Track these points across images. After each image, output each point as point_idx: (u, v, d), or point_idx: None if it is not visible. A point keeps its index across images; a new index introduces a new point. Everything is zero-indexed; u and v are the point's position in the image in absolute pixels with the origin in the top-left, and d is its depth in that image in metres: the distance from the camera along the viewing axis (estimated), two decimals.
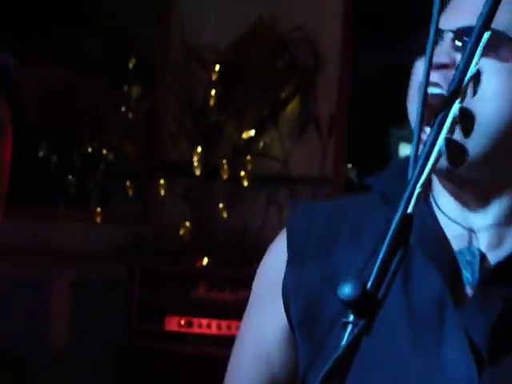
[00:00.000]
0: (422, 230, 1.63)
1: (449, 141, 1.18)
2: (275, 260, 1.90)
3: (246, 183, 6.72)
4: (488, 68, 1.61)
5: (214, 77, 6.81)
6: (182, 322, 6.46)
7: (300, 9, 6.89)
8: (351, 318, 1.08)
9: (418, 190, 1.17)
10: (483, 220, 1.70)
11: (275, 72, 6.87)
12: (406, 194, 1.16)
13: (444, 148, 1.18)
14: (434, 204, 1.76)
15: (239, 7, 6.92)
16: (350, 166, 6.62)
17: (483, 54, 1.32)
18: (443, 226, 1.71)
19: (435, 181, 1.76)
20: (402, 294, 1.52)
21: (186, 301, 6.55)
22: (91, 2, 7.40)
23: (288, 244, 1.84)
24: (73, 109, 6.74)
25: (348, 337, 1.13)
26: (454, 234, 1.70)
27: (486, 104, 1.58)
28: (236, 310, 5.87)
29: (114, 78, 7.07)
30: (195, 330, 6.50)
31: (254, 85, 6.80)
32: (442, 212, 1.74)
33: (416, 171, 1.16)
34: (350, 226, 1.55)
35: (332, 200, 1.87)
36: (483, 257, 1.66)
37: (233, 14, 6.94)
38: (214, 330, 6.49)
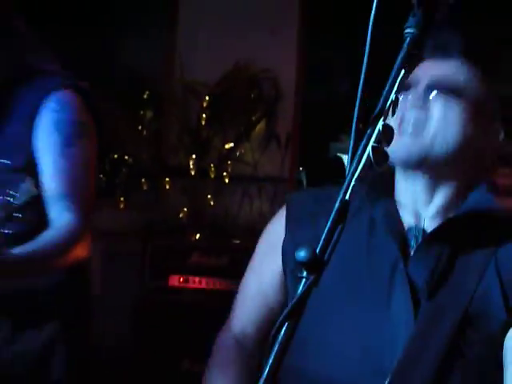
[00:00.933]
0: (385, 214, 1.80)
1: (374, 148, 1.19)
2: (276, 227, 1.98)
3: (227, 181, 6.78)
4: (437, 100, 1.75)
5: (204, 104, 6.83)
6: (181, 280, 6.52)
7: (266, 56, 6.88)
8: (304, 274, 1.10)
9: (352, 183, 1.19)
10: (428, 209, 1.81)
11: (248, 102, 6.89)
12: (344, 186, 1.18)
13: (371, 153, 1.19)
14: (396, 198, 1.86)
15: (222, 53, 6.91)
16: (301, 169, 6.65)
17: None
18: (401, 213, 1.82)
19: (398, 183, 1.87)
20: (365, 256, 1.54)
21: (184, 264, 6.65)
22: (113, 52, 7.39)
23: (286, 217, 1.95)
24: (104, 128, 6.76)
25: (302, 289, 1.15)
26: (408, 218, 1.81)
27: (439, 125, 1.72)
28: (220, 271, 6.52)
29: (132, 105, 7.14)
30: (191, 285, 6.58)
31: (233, 111, 6.86)
32: (400, 203, 1.84)
33: (351, 170, 1.17)
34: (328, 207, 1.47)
35: (320, 188, 1.91)
36: (425, 232, 1.76)
37: (218, 58, 6.93)
38: (204, 286, 6.56)
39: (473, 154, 1.79)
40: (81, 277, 2.19)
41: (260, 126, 6.91)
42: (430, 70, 1.80)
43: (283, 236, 1.92)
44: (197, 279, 6.67)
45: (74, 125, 2.16)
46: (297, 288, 1.12)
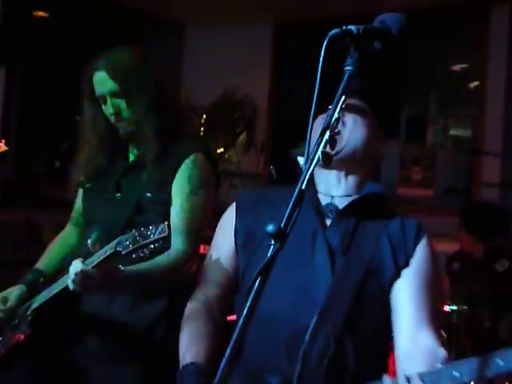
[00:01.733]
0: (309, 197, 1.76)
1: (323, 152, 1.21)
2: (229, 216, 1.99)
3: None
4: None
5: (202, 121, 6.81)
6: None
7: (247, 85, 6.85)
8: (272, 242, 1.12)
9: (307, 177, 1.20)
10: (338, 191, 1.86)
11: (233, 119, 6.91)
12: (301, 179, 1.19)
13: (320, 156, 1.21)
14: (316, 187, 1.88)
15: (215, 83, 6.88)
16: (272, 167, 6.62)
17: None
18: (320, 195, 1.87)
19: (317, 175, 1.89)
20: (296, 227, 1.58)
21: None
22: None
23: (236, 207, 1.98)
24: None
25: (271, 252, 1.18)
26: (324, 199, 1.86)
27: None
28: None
29: None
30: None
31: (223, 125, 6.86)
32: (319, 190, 1.88)
33: (306, 167, 1.19)
34: (270, 200, 1.70)
35: (261, 188, 2.02)
36: (337, 208, 1.83)
37: (212, 87, 6.91)
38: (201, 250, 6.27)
39: (368, 156, 1.89)
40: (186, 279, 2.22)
41: (242, 137, 6.97)
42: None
43: (234, 221, 1.95)
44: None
45: (199, 180, 2.25)
46: (256, 252, 1.23)
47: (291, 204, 1.27)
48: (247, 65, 6.94)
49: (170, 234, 2.05)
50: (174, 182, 2.22)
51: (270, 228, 1.24)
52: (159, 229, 1.86)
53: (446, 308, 3.91)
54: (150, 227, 1.87)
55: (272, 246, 1.24)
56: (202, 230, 2.28)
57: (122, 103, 2.21)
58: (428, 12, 1.27)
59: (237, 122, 6.90)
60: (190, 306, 1.97)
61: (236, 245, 1.94)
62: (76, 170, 2.41)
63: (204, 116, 6.79)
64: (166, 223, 1.89)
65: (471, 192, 5.66)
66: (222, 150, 6.76)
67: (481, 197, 5.43)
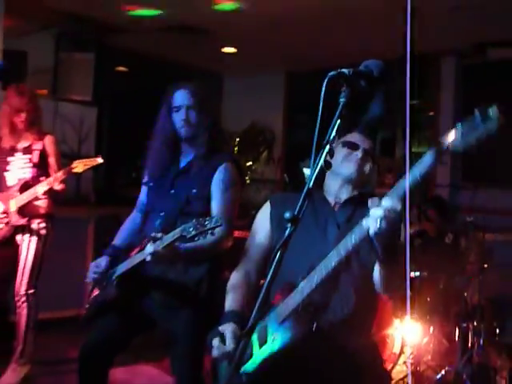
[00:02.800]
0: (319, 196, 1.88)
1: (325, 161, 1.18)
2: (265, 209, 2.04)
3: (248, 182, 6.74)
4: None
5: (236, 143, 6.81)
6: None
7: (267, 117, 6.84)
8: (289, 225, 1.09)
9: (312, 179, 1.17)
10: (342, 192, 1.90)
11: (258, 141, 6.90)
12: (308, 180, 1.16)
13: (323, 163, 1.19)
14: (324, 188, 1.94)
15: (245, 116, 6.87)
16: (285, 175, 6.59)
17: None
18: (326, 195, 1.94)
19: (328, 181, 1.93)
20: (313, 213, 1.76)
21: None
22: None
23: (270, 203, 2.04)
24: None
25: (287, 232, 1.15)
26: (330, 198, 1.93)
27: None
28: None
29: None
30: None
31: (251, 146, 6.84)
32: (327, 191, 1.94)
33: (312, 175, 1.15)
34: (292, 199, 1.50)
35: (285, 193, 2.05)
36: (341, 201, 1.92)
37: (243, 118, 6.90)
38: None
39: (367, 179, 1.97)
40: (223, 251, 2.34)
41: (264, 154, 7.02)
42: (362, 142, 1.93)
43: (269, 211, 2.01)
44: None
45: (229, 181, 2.33)
46: (283, 234, 1.19)
47: (301, 198, 1.27)
48: (267, 103, 6.93)
49: (209, 210, 2.27)
50: (212, 182, 2.30)
51: (287, 215, 1.25)
52: (214, 220, 1.94)
53: (412, 274, 3.87)
54: (207, 218, 1.96)
55: (288, 228, 1.25)
56: (234, 216, 2.35)
57: (192, 113, 2.33)
58: (396, 60, 1.26)
59: (260, 143, 6.96)
60: (235, 275, 2.03)
61: (271, 228, 1.98)
62: (143, 173, 2.55)
63: (237, 139, 6.81)
64: (219, 216, 2.01)
65: (428, 191, 5.61)
66: (250, 163, 6.83)
67: (436, 192, 5.39)
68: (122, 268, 2.31)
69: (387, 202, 1.46)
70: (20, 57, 5.47)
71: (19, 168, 3.51)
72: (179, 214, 2.28)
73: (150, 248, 2.06)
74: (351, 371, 1.80)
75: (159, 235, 2.10)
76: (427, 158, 1.42)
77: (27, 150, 3.52)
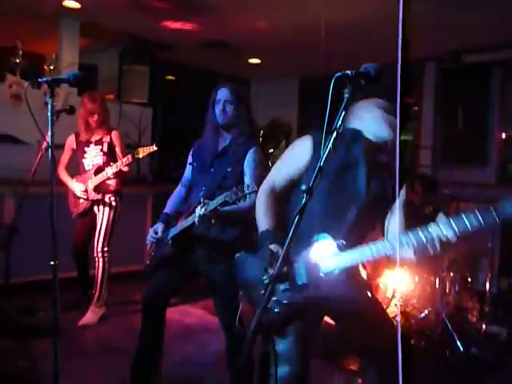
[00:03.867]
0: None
1: (333, 143, 1.16)
2: (306, 143, 1.74)
3: (270, 165, 6.70)
4: None
5: (260, 135, 6.77)
6: None
7: (285, 114, 6.77)
8: (304, 195, 1.07)
9: (323, 158, 1.14)
10: None
11: (278, 133, 6.82)
12: (320, 160, 1.14)
13: (331, 143, 1.17)
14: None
15: (267, 115, 6.82)
16: None
17: None
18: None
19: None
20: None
21: None
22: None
23: (313, 143, 1.70)
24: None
25: (304, 201, 1.13)
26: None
27: None
28: None
29: None
30: None
31: (273, 138, 6.78)
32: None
33: (323, 155, 1.13)
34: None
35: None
36: None
37: (266, 116, 6.86)
38: None
39: None
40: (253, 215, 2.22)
41: (283, 143, 6.83)
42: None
43: (311, 150, 1.70)
44: None
45: (258, 160, 2.31)
46: (311, 177, 1.16)
47: (315, 174, 1.25)
48: (285, 102, 6.87)
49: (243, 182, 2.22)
50: (245, 162, 2.28)
51: (303, 187, 1.22)
52: (250, 187, 1.92)
53: None
54: (244, 185, 1.95)
55: (304, 198, 1.22)
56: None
57: (229, 106, 2.32)
58: (387, 65, 1.24)
59: (279, 134, 6.82)
60: (264, 187, 1.82)
61: (308, 165, 1.70)
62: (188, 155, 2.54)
63: (262, 132, 6.77)
64: (253, 183, 1.96)
65: (414, 169, 5.53)
66: (271, 150, 6.73)
67: (419, 171, 5.31)
68: (175, 230, 2.33)
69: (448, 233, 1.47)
70: (92, 69, 5.52)
71: (93, 156, 3.62)
72: (217, 187, 2.26)
73: (199, 211, 2.08)
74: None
75: (206, 201, 2.12)
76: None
77: (99, 142, 3.63)
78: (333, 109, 1.29)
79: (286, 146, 6.88)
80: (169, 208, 2.51)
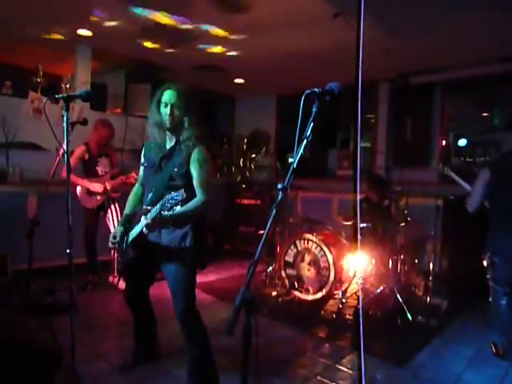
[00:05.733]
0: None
1: (303, 151, 1.15)
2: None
3: (253, 167, 6.64)
4: None
5: (244, 142, 6.73)
6: None
7: (265, 125, 6.74)
8: (280, 193, 1.06)
9: (296, 162, 1.14)
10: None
11: (259, 141, 6.78)
12: (293, 164, 1.13)
13: (302, 151, 1.15)
14: None
15: (251, 124, 6.78)
16: (278, 163, 6.46)
17: None
18: None
19: None
20: None
21: None
22: (214, 125, 7.14)
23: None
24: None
25: (279, 198, 1.11)
26: None
27: None
28: None
29: (221, 144, 6.83)
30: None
31: (255, 144, 6.73)
32: None
33: (295, 160, 1.13)
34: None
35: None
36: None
37: (249, 126, 6.81)
38: None
39: None
40: (202, 213, 2.07)
41: (263, 149, 6.78)
42: None
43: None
44: None
45: (203, 159, 2.04)
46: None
47: (288, 174, 1.23)
48: (265, 115, 6.82)
49: (191, 183, 2.00)
50: (190, 162, 2.05)
51: (279, 186, 1.21)
52: (181, 193, 1.76)
53: (362, 225, 3.86)
54: (177, 193, 1.77)
55: (280, 195, 1.21)
56: (210, 185, 2.07)
57: (176, 109, 2.03)
58: (349, 85, 1.25)
59: (260, 142, 6.77)
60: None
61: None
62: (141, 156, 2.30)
63: (246, 140, 6.74)
64: (183, 190, 1.78)
65: (371, 170, 5.57)
66: (254, 155, 6.67)
67: (375, 172, 5.34)
68: (132, 235, 2.13)
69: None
70: (102, 88, 5.42)
71: (105, 165, 3.90)
72: (165, 188, 2.00)
73: (143, 221, 1.91)
74: None
75: (149, 208, 1.94)
76: None
77: (108, 156, 3.94)
78: (303, 120, 1.29)
79: (266, 152, 6.92)
80: (128, 208, 2.25)
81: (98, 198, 3.82)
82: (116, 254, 2.28)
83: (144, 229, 1.90)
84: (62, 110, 1.83)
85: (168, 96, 2.04)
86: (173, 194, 1.77)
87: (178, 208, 1.84)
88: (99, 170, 3.85)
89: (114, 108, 5.39)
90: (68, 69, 4.79)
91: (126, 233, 2.15)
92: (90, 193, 3.79)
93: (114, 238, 2.13)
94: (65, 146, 1.80)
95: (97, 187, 3.77)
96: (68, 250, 1.80)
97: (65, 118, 1.76)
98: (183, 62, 5.08)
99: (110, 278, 3.94)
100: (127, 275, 2.29)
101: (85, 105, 4.47)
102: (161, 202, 1.80)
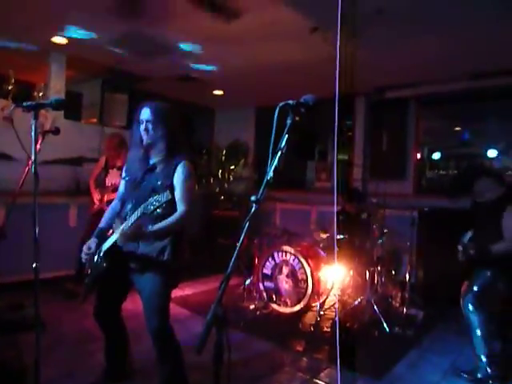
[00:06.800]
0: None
1: (276, 164, 1.14)
2: None
3: (231, 179, 6.63)
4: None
5: (223, 153, 6.71)
6: None
7: (245, 137, 6.75)
8: (254, 205, 1.02)
9: (270, 174, 1.13)
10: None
11: (238, 152, 6.78)
12: (267, 175, 1.12)
13: (276, 162, 1.15)
14: None
15: (229, 136, 6.78)
16: (255, 174, 6.46)
17: None
18: None
19: None
20: None
21: None
22: (193, 136, 7.11)
23: None
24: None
25: (253, 210, 1.09)
26: None
27: None
28: None
29: (200, 155, 6.77)
30: None
31: (234, 156, 6.73)
32: None
33: (269, 171, 1.12)
34: None
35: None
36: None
37: (227, 138, 6.81)
38: None
39: None
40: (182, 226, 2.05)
41: (242, 161, 6.77)
42: None
43: None
44: None
45: (187, 174, 2.03)
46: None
47: (263, 186, 1.23)
48: (243, 127, 6.84)
49: (174, 200, 1.98)
50: (174, 176, 2.03)
51: (253, 198, 1.20)
52: (165, 195, 1.77)
53: (339, 236, 3.88)
54: (160, 195, 1.77)
55: (253, 207, 1.20)
56: (192, 200, 2.04)
57: (149, 125, 2.04)
58: (327, 98, 1.25)
59: (239, 154, 6.77)
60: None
61: None
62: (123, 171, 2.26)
63: (224, 151, 6.72)
64: (168, 191, 1.82)
65: (349, 183, 5.63)
66: (233, 166, 6.66)
67: (353, 184, 5.40)
68: (105, 246, 2.07)
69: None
70: (78, 97, 5.32)
71: (113, 177, 4.00)
72: (146, 200, 1.91)
73: (119, 229, 1.86)
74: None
75: (128, 215, 1.89)
76: None
77: (119, 169, 3.93)
78: (278, 133, 1.28)
79: (245, 163, 6.93)
80: (104, 222, 2.21)
81: (95, 206, 4.01)
82: (87, 267, 2.17)
83: (118, 238, 1.84)
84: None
85: (143, 113, 2.07)
86: (156, 196, 1.76)
87: (160, 211, 1.82)
88: (107, 181, 4.04)
89: (90, 118, 5.30)
90: (42, 76, 4.69)
91: (99, 245, 2.09)
92: (92, 200, 4.06)
93: (89, 249, 2.07)
94: (33, 157, 1.73)
95: (95, 197, 4.02)
96: (34, 264, 1.72)
97: (33, 127, 1.70)
98: (161, 73, 5.05)
99: (69, 285, 3.97)
100: (98, 290, 2.19)
101: (58, 114, 4.37)
102: (143, 205, 1.78)
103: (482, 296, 2.66)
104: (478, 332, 2.63)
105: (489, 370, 2.61)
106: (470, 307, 2.66)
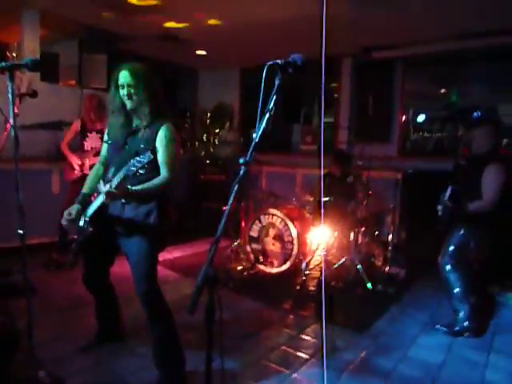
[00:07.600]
0: None
1: (266, 124, 1.12)
2: None
3: (216, 143, 6.55)
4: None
5: (208, 116, 6.59)
6: None
7: (229, 99, 6.62)
8: (242, 167, 1.02)
9: (258, 136, 1.11)
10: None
11: (223, 115, 6.66)
12: (255, 137, 1.10)
13: (264, 125, 1.12)
14: None
15: (213, 99, 6.64)
16: (241, 138, 6.39)
17: None
18: None
19: None
20: None
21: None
22: (176, 97, 6.91)
23: None
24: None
25: (242, 172, 1.08)
26: None
27: None
28: None
29: (184, 117, 6.58)
30: None
31: (218, 119, 6.61)
32: None
33: (257, 133, 1.10)
34: None
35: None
36: None
37: (211, 100, 6.67)
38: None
39: None
40: (165, 190, 2.00)
41: (227, 124, 6.66)
42: None
43: None
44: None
45: (170, 137, 1.98)
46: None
47: (250, 148, 1.21)
48: (228, 89, 6.69)
49: (157, 162, 1.95)
50: (157, 138, 1.99)
51: (241, 160, 1.19)
52: (147, 155, 1.75)
53: (326, 199, 3.92)
54: (142, 156, 1.75)
55: (242, 170, 1.19)
56: (176, 163, 2.01)
57: (132, 90, 1.97)
58: (312, 59, 1.22)
59: (224, 117, 6.64)
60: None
61: None
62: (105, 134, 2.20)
63: (209, 114, 6.59)
64: (149, 152, 1.78)
65: (335, 145, 5.63)
66: (218, 130, 6.55)
67: (338, 147, 5.40)
68: (90, 210, 2.05)
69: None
70: (54, 57, 5.07)
71: (93, 141, 3.85)
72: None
73: (103, 188, 1.83)
74: None
75: (111, 177, 1.87)
76: None
77: (99, 132, 3.83)
78: (266, 94, 1.25)
79: (230, 126, 6.82)
80: (87, 187, 2.17)
81: (76, 172, 3.82)
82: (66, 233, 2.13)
83: (103, 198, 1.80)
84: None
85: (123, 77, 1.98)
86: (138, 157, 1.74)
87: (144, 173, 1.80)
88: (86, 145, 3.86)
89: (68, 79, 5.09)
90: (15, 36, 4.44)
91: (82, 211, 2.07)
92: (71, 166, 3.83)
93: (70, 214, 2.03)
94: (11, 120, 1.67)
95: (75, 161, 3.80)
96: (20, 231, 1.70)
97: (9, 89, 1.62)
98: (142, 32, 4.84)
99: (54, 255, 3.85)
100: (85, 256, 2.19)
101: (34, 76, 4.17)
102: (125, 167, 1.76)
103: (457, 255, 2.75)
104: (456, 289, 2.74)
105: (465, 324, 2.74)
106: (447, 267, 2.75)
